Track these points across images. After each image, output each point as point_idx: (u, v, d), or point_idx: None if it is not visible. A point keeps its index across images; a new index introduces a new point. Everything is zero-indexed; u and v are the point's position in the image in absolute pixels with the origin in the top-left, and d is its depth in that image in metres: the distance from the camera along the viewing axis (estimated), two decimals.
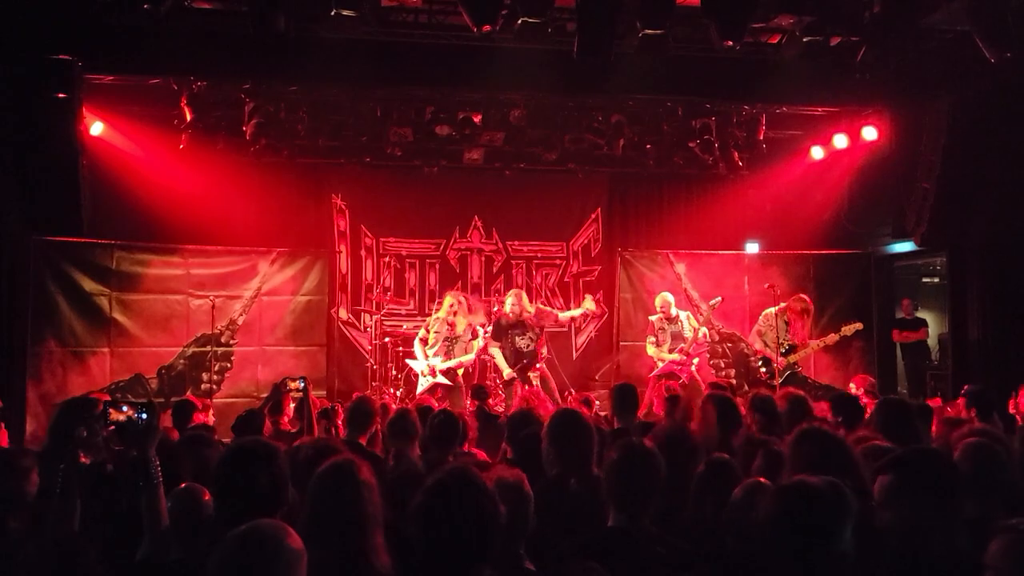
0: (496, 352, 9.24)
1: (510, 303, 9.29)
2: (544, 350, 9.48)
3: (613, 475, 3.16)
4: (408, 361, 9.90)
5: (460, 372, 9.33)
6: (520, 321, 9.20)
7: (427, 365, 9.26)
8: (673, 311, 9.64)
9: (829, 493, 2.38)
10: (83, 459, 3.10)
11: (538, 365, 9.27)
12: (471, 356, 9.29)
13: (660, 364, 9.50)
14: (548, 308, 10.17)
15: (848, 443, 3.56)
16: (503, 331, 9.26)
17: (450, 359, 9.24)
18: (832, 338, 9.44)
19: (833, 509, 2.34)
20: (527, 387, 8.58)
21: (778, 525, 2.36)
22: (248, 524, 2.23)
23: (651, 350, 9.64)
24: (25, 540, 2.95)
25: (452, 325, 9.25)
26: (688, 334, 9.53)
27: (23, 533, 2.96)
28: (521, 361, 9.13)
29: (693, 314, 10.04)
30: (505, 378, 9.14)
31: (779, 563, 2.32)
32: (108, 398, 4.55)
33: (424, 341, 9.41)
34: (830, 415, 5.18)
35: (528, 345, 9.19)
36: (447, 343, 9.28)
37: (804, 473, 2.65)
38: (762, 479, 3.10)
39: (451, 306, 9.28)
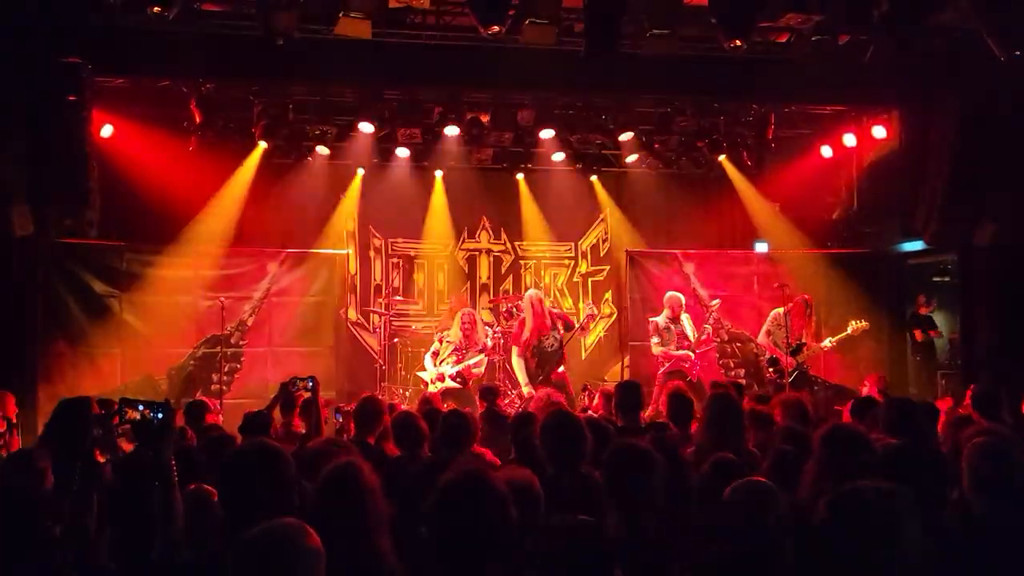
0: (516, 364, 9.22)
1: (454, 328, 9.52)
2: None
3: (606, 474, 3.16)
4: (418, 373, 10.01)
5: (474, 370, 9.40)
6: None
7: (436, 372, 9.37)
8: (681, 313, 9.60)
9: (883, 498, 2.37)
10: (99, 458, 3.12)
11: (560, 369, 9.24)
12: (479, 358, 9.36)
13: (668, 363, 9.46)
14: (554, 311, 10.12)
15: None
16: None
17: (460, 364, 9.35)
18: (840, 337, 9.42)
19: (888, 513, 2.32)
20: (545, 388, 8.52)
21: (835, 532, 2.34)
22: (267, 524, 2.21)
23: (657, 350, 9.58)
24: (40, 539, 2.97)
25: (468, 336, 9.40)
26: (691, 335, 9.51)
27: (39, 532, 2.98)
28: (548, 364, 9.07)
29: (701, 314, 10.02)
30: (525, 395, 8.91)
31: (837, 570, 2.31)
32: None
33: (436, 354, 9.55)
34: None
35: (552, 345, 9.16)
36: (458, 353, 9.39)
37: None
38: (759, 478, 3.08)
39: (463, 324, 9.44)
